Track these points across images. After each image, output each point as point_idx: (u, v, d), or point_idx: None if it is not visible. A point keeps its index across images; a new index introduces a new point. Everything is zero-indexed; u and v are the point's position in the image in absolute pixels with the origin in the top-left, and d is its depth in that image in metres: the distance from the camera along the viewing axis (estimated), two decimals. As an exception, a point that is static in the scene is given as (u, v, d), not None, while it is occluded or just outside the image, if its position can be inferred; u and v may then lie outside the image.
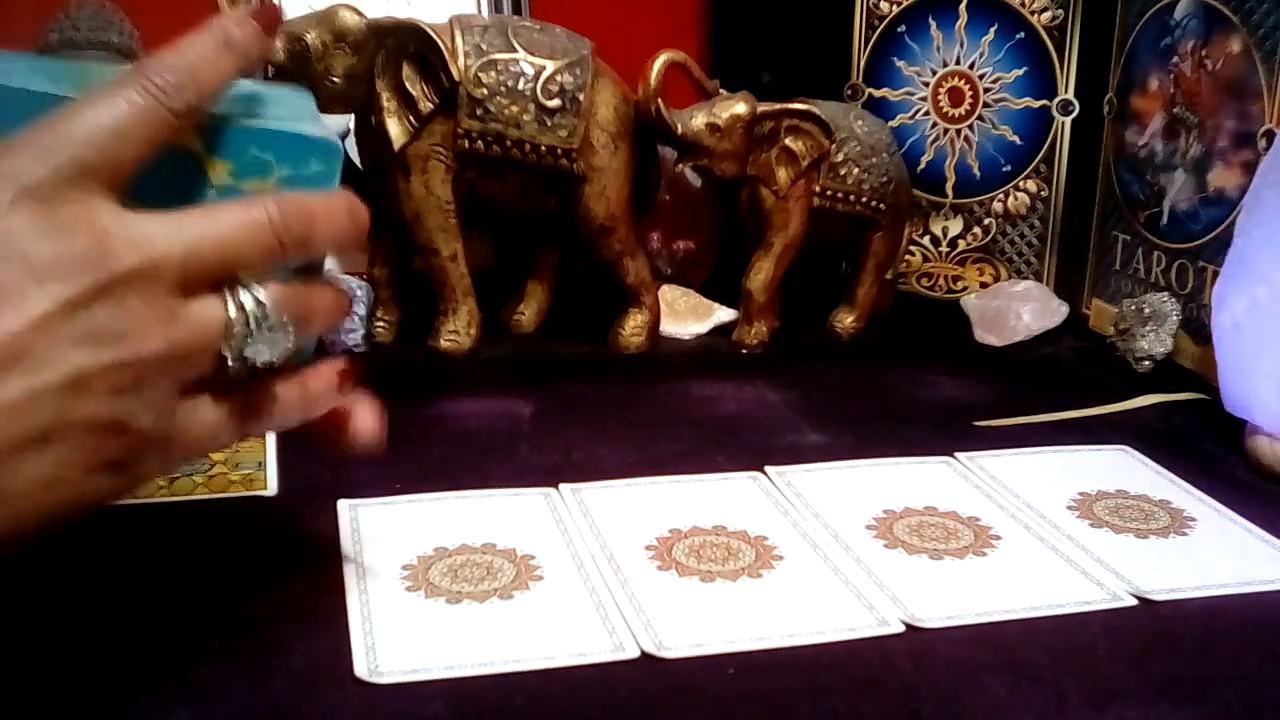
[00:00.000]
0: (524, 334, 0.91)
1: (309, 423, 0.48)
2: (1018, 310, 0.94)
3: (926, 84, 0.99)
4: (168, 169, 0.43)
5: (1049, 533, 0.61)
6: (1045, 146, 0.99)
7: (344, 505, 0.60)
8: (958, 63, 0.99)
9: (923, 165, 1.01)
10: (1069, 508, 0.63)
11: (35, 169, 0.39)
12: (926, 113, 1.00)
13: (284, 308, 0.44)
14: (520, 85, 0.80)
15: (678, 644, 0.49)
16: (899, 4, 0.98)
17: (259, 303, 0.43)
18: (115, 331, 0.39)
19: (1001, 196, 1.01)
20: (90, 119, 0.40)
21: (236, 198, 0.44)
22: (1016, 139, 1.00)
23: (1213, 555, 0.59)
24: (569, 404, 0.77)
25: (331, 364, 0.48)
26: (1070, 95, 0.98)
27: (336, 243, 0.46)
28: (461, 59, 0.79)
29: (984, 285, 1.01)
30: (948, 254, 1.02)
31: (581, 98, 0.81)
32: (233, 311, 0.42)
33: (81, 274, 0.39)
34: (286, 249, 0.43)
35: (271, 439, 0.68)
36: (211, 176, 0.45)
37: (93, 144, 0.40)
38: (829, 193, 0.88)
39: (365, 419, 0.49)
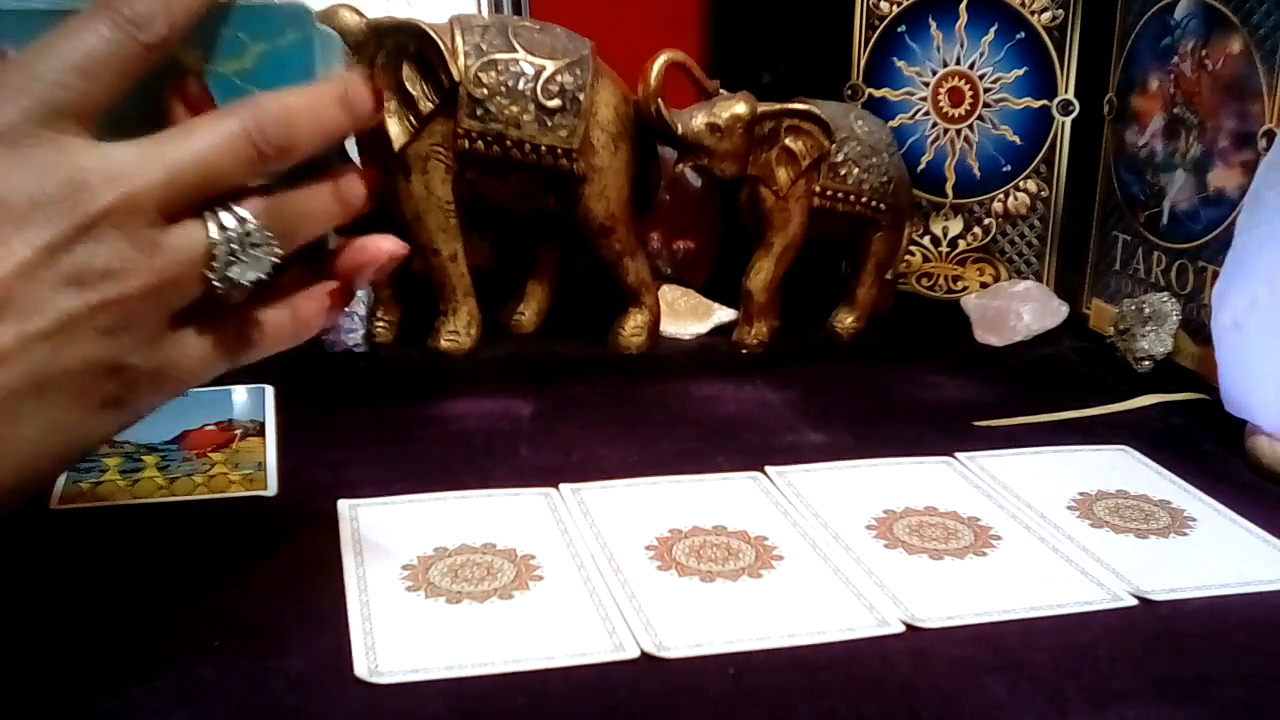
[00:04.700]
0: (524, 334, 0.91)
1: (346, 271, 0.47)
2: (1018, 310, 0.93)
3: (926, 84, 0.99)
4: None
5: (1049, 533, 0.61)
6: (1045, 146, 0.99)
7: (344, 505, 0.60)
8: (958, 63, 0.99)
9: (923, 165, 1.01)
10: (1069, 508, 0.63)
11: (4, 112, 0.38)
12: (926, 113, 1.00)
13: (267, 222, 0.42)
14: (520, 85, 0.80)
15: (678, 644, 0.49)
16: (899, 4, 0.98)
17: (241, 220, 0.41)
18: (99, 271, 0.39)
19: (1001, 196, 1.01)
20: (59, 55, 0.39)
21: (215, 81, 0.43)
22: (1016, 139, 0.99)
23: (1213, 555, 0.59)
24: (569, 404, 0.77)
25: (323, 286, 0.46)
26: (1070, 95, 0.98)
27: (325, 138, 0.43)
28: (461, 59, 0.79)
29: (984, 285, 1.01)
30: (948, 254, 1.02)
31: (581, 98, 0.81)
32: (214, 234, 0.41)
33: (60, 216, 0.38)
34: (269, 157, 0.42)
35: (271, 439, 0.68)
36: (187, 64, 0.43)
37: (62, 82, 0.39)
38: (829, 193, 0.88)
39: (381, 241, 0.48)
